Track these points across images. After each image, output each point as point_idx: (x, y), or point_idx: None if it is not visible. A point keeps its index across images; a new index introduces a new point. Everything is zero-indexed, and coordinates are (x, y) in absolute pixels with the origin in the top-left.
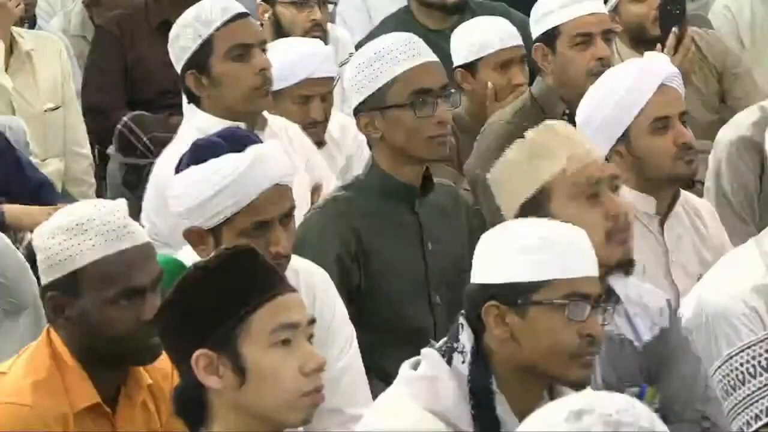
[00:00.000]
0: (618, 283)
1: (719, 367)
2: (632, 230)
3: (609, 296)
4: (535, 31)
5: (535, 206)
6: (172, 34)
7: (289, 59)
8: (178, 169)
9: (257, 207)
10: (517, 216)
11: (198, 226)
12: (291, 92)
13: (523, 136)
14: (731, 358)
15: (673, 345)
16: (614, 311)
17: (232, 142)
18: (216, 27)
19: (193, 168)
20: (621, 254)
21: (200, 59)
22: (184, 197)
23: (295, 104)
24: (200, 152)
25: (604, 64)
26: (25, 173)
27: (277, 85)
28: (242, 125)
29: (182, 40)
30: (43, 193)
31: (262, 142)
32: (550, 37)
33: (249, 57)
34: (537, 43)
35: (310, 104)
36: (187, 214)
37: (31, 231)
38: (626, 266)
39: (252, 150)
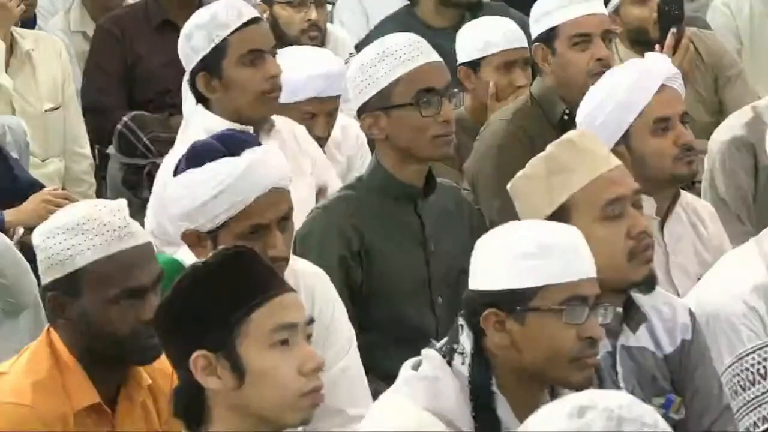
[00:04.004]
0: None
1: (729, 366)
2: (654, 247)
3: (634, 313)
4: (535, 30)
5: None
6: (183, 33)
7: (300, 77)
8: (176, 171)
9: (253, 211)
10: None
11: (195, 229)
12: (298, 107)
13: (521, 136)
14: (742, 358)
15: (695, 357)
16: (637, 326)
17: (230, 146)
18: (230, 31)
19: (189, 171)
20: (645, 272)
21: (212, 62)
22: (181, 200)
23: (301, 119)
24: (197, 155)
25: (604, 64)
26: (14, 173)
27: (284, 99)
28: (249, 129)
29: (194, 41)
30: (33, 193)
31: (260, 145)
32: (550, 37)
33: (261, 63)
34: (536, 43)
35: (315, 121)
36: (185, 217)
37: (29, 229)
38: (649, 284)
39: (248, 154)
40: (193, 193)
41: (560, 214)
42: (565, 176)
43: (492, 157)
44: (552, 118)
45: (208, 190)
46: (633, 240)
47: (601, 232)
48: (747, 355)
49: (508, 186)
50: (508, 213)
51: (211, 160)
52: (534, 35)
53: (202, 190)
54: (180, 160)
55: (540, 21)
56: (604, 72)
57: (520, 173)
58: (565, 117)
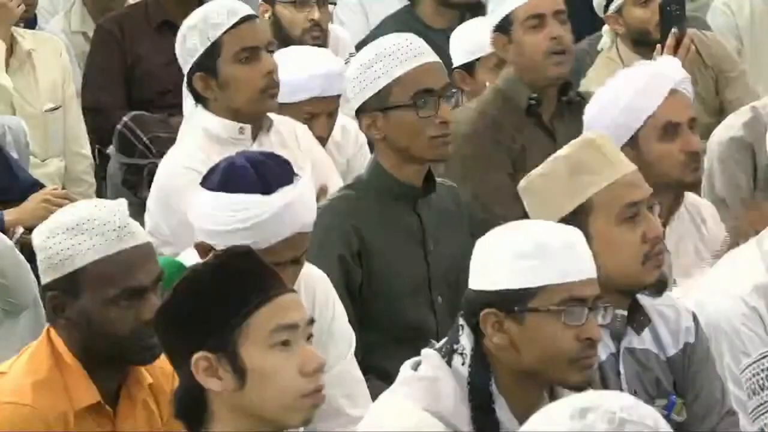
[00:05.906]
0: (647, 296)
1: (750, 364)
2: (665, 252)
3: (639, 315)
4: (492, 22)
5: (573, 223)
6: (179, 35)
7: (301, 77)
8: (205, 180)
9: (273, 251)
10: None
11: (210, 245)
12: (298, 108)
13: (487, 124)
14: (764, 357)
15: (697, 360)
16: (642, 328)
17: (265, 177)
18: (224, 30)
19: (221, 195)
20: (657, 277)
21: (208, 62)
22: (204, 218)
23: (301, 119)
24: (230, 179)
25: (559, 43)
26: (14, 173)
27: (284, 99)
28: (248, 127)
29: (189, 43)
30: (33, 193)
31: (292, 180)
32: (506, 25)
33: (256, 60)
34: (495, 34)
35: (315, 120)
36: (202, 232)
37: (29, 229)
38: (661, 287)
39: (280, 196)
40: (217, 218)
41: (578, 214)
42: (587, 176)
43: (458, 147)
44: (518, 105)
45: (232, 222)
46: (648, 244)
47: (618, 235)
48: None
49: (519, 186)
50: (480, 200)
51: (244, 191)
52: (492, 27)
53: (226, 219)
54: (212, 171)
55: (495, 11)
56: (560, 51)
57: (535, 172)
58: (532, 102)
